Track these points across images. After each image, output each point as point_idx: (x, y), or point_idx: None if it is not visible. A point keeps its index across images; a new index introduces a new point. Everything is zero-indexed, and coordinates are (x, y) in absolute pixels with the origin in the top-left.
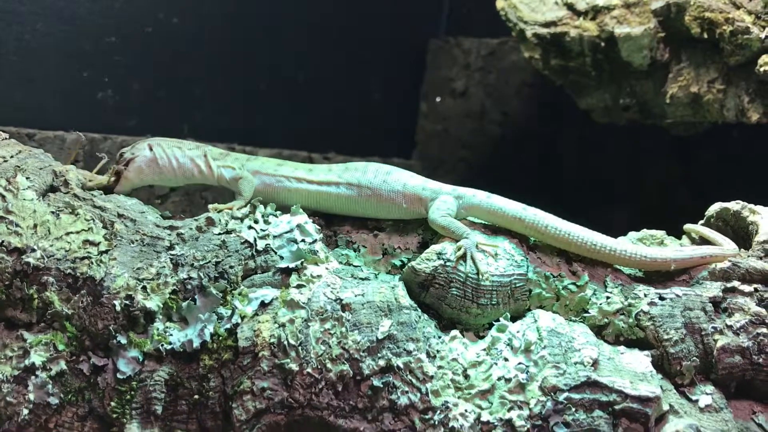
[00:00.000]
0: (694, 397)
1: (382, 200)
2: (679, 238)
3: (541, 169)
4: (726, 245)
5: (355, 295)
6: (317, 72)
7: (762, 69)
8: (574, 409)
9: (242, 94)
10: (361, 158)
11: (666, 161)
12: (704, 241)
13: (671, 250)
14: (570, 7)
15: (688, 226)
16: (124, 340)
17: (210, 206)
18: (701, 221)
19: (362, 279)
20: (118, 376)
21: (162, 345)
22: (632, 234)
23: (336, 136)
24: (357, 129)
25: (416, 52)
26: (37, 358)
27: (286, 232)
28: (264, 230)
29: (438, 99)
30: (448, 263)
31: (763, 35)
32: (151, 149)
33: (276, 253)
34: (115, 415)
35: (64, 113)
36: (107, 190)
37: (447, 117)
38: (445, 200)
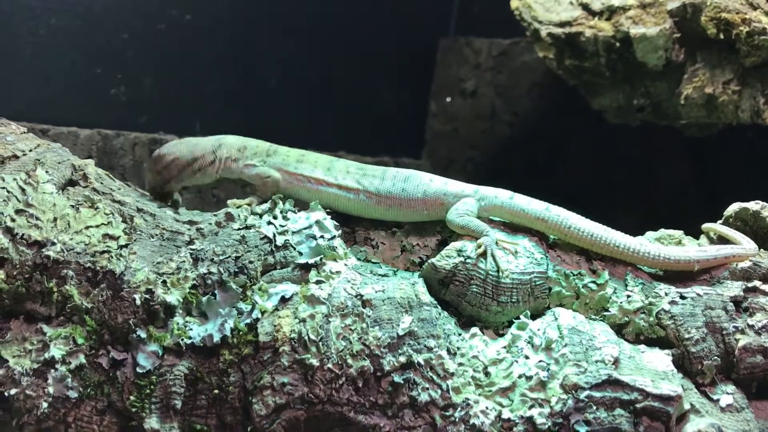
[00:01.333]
0: (715, 397)
1: (403, 208)
2: (696, 238)
3: (551, 170)
4: (746, 244)
5: (376, 291)
6: (328, 71)
7: None
8: (595, 408)
9: (253, 92)
10: (372, 158)
11: (678, 162)
12: (723, 240)
13: (694, 250)
14: (585, 7)
15: (706, 226)
16: (143, 335)
17: (229, 201)
18: (720, 221)
19: (381, 275)
20: (138, 370)
21: (182, 339)
22: (650, 234)
23: (346, 135)
24: (367, 128)
25: (426, 52)
26: (56, 351)
27: (305, 228)
28: (283, 226)
29: (448, 99)
30: (468, 260)
31: None
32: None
33: (295, 248)
34: (134, 410)
35: (78, 109)
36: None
37: (457, 117)
38: (465, 202)
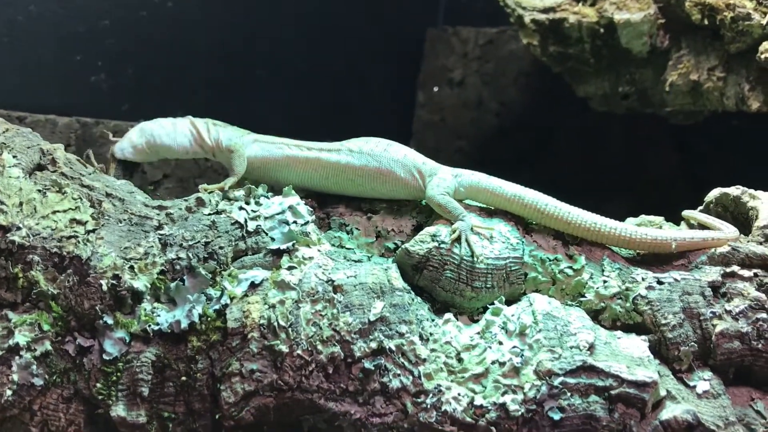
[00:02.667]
0: (691, 383)
1: (381, 171)
2: (678, 225)
3: (539, 159)
4: (726, 230)
5: (348, 277)
6: (314, 61)
7: (763, 56)
8: (569, 394)
9: (238, 81)
10: None
11: (664, 150)
12: (703, 227)
13: (673, 231)
14: None
15: (686, 213)
16: (110, 321)
17: (200, 186)
18: (700, 207)
19: (355, 261)
20: (104, 357)
21: (149, 326)
22: (630, 220)
23: (333, 125)
24: (354, 118)
25: (414, 42)
26: (21, 338)
27: (278, 214)
28: (255, 211)
29: (436, 89)
30: (442, 245)
31: (764, 21)
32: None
33: (267, 234)
34: (100, 397)
35: (57, 97)
36: None
37: (444, 107)
38: (444, 177)
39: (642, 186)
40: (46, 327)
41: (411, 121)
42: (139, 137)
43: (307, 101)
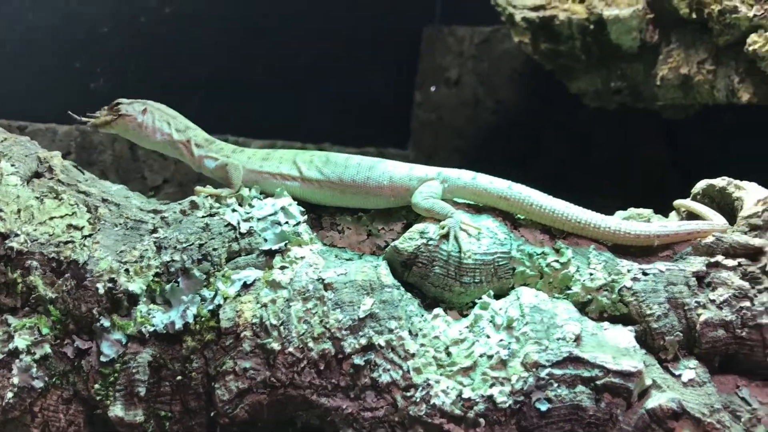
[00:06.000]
0: (677, 372)
1: (369, 195)
2: (667, 217)
3: (535, 155)
4: (715, 219)
5: (338, 275)
6: (312, 63)
7: (751, 48)
8: (556, 385)
9: (236, 84)
10: (357, 149)
11: (659, 144)
12: (693, 216)
13: (656, 225)
14: None
15: (677, 202)
16: (107, 323)
17: (197, 188)
18: (688, 198)
19: (346, 259)
20: (102, 358)
21: (145, 327)
22: (619, 213)
23: (331, 126)
24: (352, 119)
25: (410, 42)
26: (21, 342)
27: (270, 215)
28: (248, 213)
29: (433, 88)
30: (430, 242)
31: (751, 14)
32: (144, 113)
33: (260, 235)
34: (99, 398)
35: (57, 105)
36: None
37: (441, 106)
38: (429, 185)
39: (635, 179)
40: (45, 330)
41: (409, 121)
42: (144, 111)
43: (307, 103)
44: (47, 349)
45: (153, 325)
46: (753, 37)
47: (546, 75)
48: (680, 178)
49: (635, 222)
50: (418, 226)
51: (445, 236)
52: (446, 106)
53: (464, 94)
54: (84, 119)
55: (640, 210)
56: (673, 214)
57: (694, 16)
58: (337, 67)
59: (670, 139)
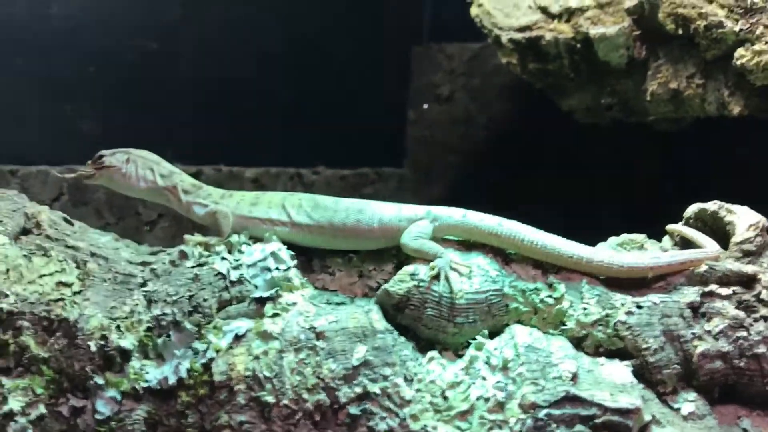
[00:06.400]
0: (676, 405)
1: (360, 238)
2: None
3: (528, 170)
4: (709, 246)
5: (329, 323)
6: (302, 87)
7: (739, 62)
8: (554, 425)
9: (226, 113)
10: (352, 170)
11: (653, 158)
12: (686, 241)
13: (649, 256)
14: (544, 11)
15: (670, 227)
16: (101, 381)
17: (186, 237)
18: (681, 222)
19: (338, 304)
20: (97, 416)
21: (139, 383)
22: (612, 239)
23: (326, 149)
24: (346, 141)
25: (401, 61)
26: (15, 403)
27: (260, 260)
28: (237, 260)
29: (425, 106)
30: (421, 284)
31: (737, 28)
32: (127, 163)
33: (250, 282)
34: None
35: (48, 147)
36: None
37: (434, 123)
38: (419, 224)
39: (631, 195)
40: (39, 390)
41: (403, 139)
42: (127, 161)
43: (300, 128)
44: (42, 409)
45: (147, 381)
46: (740, 51)
47: (535, 90)
48: (679, 192)
49: (627, 254)
50: (408, 268)
51: (436, 277)
52: (439, 123)
53: (456, 110)
54: (69, 175)
55: (633, 235)
56: (666, 238)
57: (680, 32)
58: (329, 89)
59: (664, 151)
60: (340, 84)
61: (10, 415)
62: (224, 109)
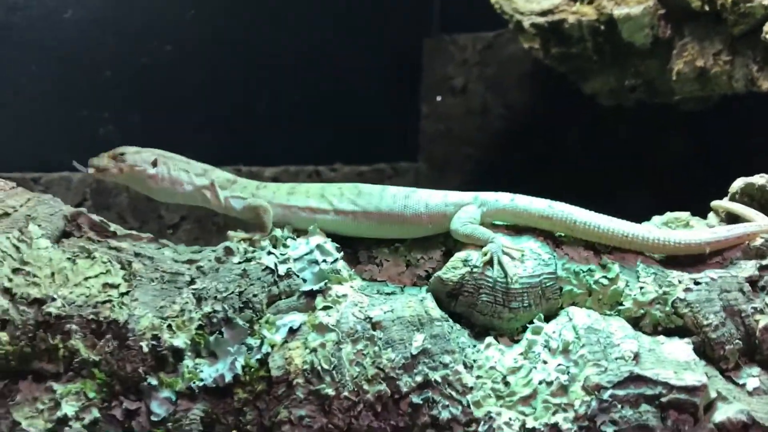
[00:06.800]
0: (741, 381)
1: (406, 224)
2: (704, 217)
3: (550, 160)
4: (761, 220)
5: (384, 312)
6: (316, 85)
7: None
8: (620, 406)
9: (243, 114)
10: (368, 166)
11: (678, 139)
12: (732, 217)
13: (706, 232)
14: None
15: (715, 203)
16: (154, 382)
17: (230, 233)
18: (726, 198)
19: (388, 294)
20: (153, 418)
21: (194, 382)
22: (656, 218)
23: (341, 146)
24: (361, 137)
25: (412, 54)
26: (68, 408)
27: (306, 254)
28: (284, 254)
29: (438, 98)
30: (475, 270)
31: (765, 1)
32: (155, 165)
33: (299, 276)
34: None
35: (67, 153)
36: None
37: (449, 116)
38: (467, 210)
39: (659, 177)
40: (91, 394)
41: (417, 133)
42: (155, 163)
43: (315, 126)
44: (96, 413)
45: (201, 380)
46: None
47: (555, 76)
48: (708, 171)
49: (683, 231)
50: (460, 255)
51: (489, 262)
52: (454, 116)
53: (471, 102)
54: (86, 169)
55: (678, 213)
56: (711, 215)
57: (706, 8)
58: (342, 87)
59: (691, 131)
60: (354, 82)
61: (64, 421)
62: (242, 110)
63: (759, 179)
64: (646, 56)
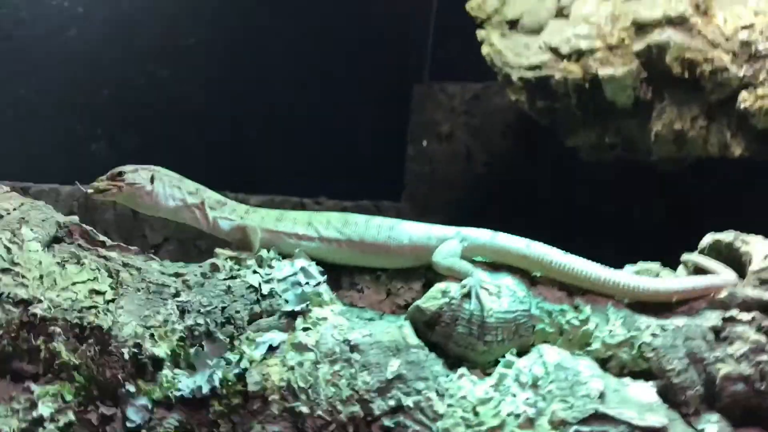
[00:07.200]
0: (700, 427)
1: (390, 255)
2: (674, 270)
3: (529, 207)
4: (726, 275)
5: (363, 336)
6: (307, 119)
7: (742, 105)
8: None
9: (232, 142)
10: (352, 202)
11: (653, 197)
12: (701, 271)
13: (675, 282)
14: (554, 51)
15: (685, 257)
16: (132, 389)
17: (217, 250)
18: (695, 252)
19: (368, 320)
20: (128, 425)
21: (171, 392)
22: (628, 267)
23: (326, 182)
24: (347, 174)
25: (402, 99)
26: (44, 409)
27: (290, 275)
28: (268, 274)
29: (424, 143)
30: (453, 301)
31: (741, 73)
32: (152, 181)
33: (281, 296)
34: None
35: (59, 166)
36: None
37: (434, 160)
38: (449, 244)
39: (632, 233)
40: (68, 397)
41: (402, 174)
42: (152, 179)
43: (302, 160)
44: (71, 416)
45: (179, 390)
46: (743, 94)
47: (538, 129)
48: (680, 229)
49: (653, 279)
50: (439, 286)
51: (467, 295)
52: (438, 160)
53: (456, 148)
54: (85, 189)
55: (649, 264)
56: (680, 268)
57: (686, 75)
58: (331, 124)
59: (667, 191)
60: (343, 120)
61: (39, 422)
62: (233, 138)
63: (727, 236)
64: (627, 116)
